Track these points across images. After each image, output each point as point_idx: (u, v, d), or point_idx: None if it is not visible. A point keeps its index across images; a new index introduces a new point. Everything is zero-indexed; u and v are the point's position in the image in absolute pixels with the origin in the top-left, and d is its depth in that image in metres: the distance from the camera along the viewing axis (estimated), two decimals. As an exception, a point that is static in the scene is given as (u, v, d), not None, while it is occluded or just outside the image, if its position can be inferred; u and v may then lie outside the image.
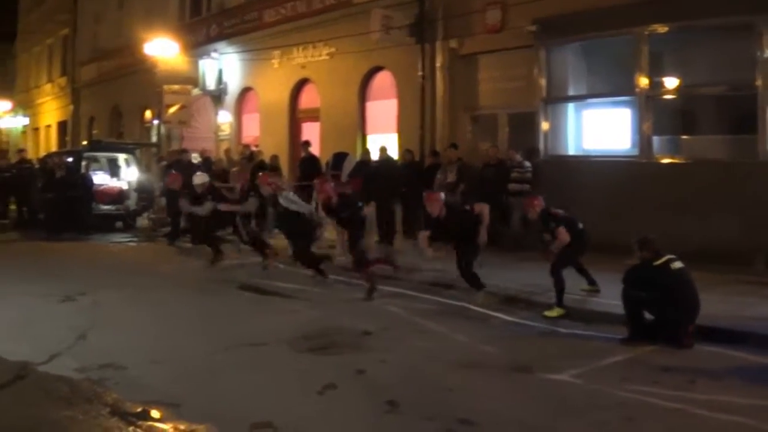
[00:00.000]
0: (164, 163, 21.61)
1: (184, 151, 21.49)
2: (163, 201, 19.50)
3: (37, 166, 23.33)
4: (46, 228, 19.47)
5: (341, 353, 8.22)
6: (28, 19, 46.63)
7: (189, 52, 25.45)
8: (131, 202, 21.43)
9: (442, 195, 10.94)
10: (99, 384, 6.98)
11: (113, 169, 22.65)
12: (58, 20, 40.00)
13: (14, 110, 46.30)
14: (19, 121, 46.27)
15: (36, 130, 45.17)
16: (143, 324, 9.70)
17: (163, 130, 26.32)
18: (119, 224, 21.14)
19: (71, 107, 38.57)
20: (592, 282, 10.74)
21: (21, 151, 27.82)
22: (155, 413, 6.25)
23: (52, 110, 42.53)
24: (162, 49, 25.19)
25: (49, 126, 43.29)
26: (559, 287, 9.96)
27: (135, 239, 19.48)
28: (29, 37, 46.18)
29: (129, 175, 22.04)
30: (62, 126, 40.70)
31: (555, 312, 9.82)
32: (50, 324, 9.49)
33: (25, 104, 45.78)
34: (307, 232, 12.67)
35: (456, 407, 6.38)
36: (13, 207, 22.47)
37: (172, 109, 25.34)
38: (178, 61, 25.40)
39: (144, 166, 23.46)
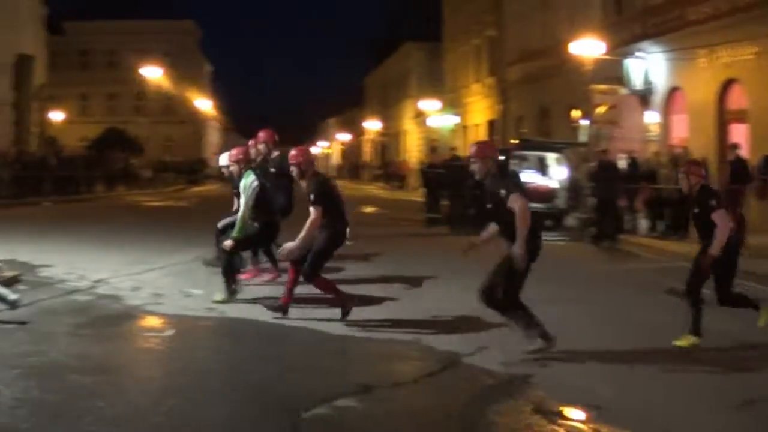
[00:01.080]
0: (592, 164, 22.91)
1: (605, 152, 23.15)
2: (592, 201, 20.78)
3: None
4: (474, 223, 22.47)
5: (759, 370, 8.29)
6: (454, 21, 51.86)
7: (613, 51, 26.82)
8: (560, 201, 23.16)
9: None
10: (523, 379, 7.52)
11: (542, 168, 24.66)
12: (484, 21, 44.24)
13: (444, 109, 51.16)
14: (449, 120, 50.85)
15: (465, 128, 49.61)
16: (566, 321, 9.68)
17: (592, 130, 28.49)
18: (548, 222, 22.00)
19: (500, 106, 42.21)
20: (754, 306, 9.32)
21: (452, 149, 31.97)
22: (577, 414, 6.62)
23: (480, 109, 46.80)
24: (587, 48, 27.22)
25: (477, 125, 47.54)
26: None
27: (563, 238, 20.94)
28: (456, 37, 51.29)
29: (558, 174, 23.96)
30: (491, 124, 44.56)
31: None
32: (473, 316, 9.92)
33: (453, 103, 50.48)
34: None
35: None
36: (445, 203, 25.23)
37: (600, 109, 27.82)
38: (603, 61, 27.36)
39: (573, 166, 24.63)
